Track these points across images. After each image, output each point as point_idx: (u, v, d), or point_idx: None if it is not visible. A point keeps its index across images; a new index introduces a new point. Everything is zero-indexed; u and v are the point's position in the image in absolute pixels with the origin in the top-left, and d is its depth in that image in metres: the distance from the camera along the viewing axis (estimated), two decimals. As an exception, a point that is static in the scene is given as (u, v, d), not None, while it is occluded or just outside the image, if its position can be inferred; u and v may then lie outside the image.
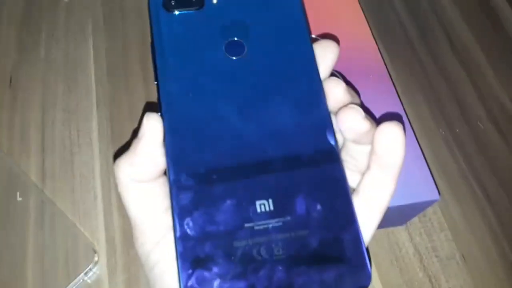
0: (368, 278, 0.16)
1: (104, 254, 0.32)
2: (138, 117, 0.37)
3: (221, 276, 0.15)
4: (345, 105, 0.17)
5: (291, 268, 0.16)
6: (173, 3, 0.18)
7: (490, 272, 0.34)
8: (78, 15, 0.42)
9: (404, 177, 0.30)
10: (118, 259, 0.32)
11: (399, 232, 0.35)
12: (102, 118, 0.37)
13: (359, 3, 0.37)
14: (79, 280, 0.30)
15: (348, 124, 0.17)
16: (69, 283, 0.30)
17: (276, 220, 0.16)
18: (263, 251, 0.16)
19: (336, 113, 0.18)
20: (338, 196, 0.17)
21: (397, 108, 0.32)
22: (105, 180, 0.35)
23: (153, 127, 0.17)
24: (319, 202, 0.17)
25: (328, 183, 0.17)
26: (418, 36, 0.46)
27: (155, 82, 0.18)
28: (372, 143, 0.17)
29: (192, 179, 0.16)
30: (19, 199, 0.33)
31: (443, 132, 0.40)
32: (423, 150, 0.31)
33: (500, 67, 0.45)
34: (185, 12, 0.18)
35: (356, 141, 0.18)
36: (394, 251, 0.35)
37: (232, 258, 0.15)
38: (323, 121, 0.18)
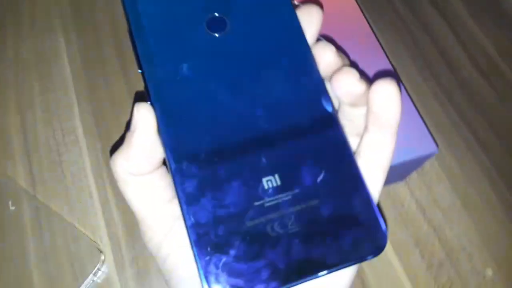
0: (384, 237, 0.16)
1: (110, 251, 0.31)
2: (121, 109, 0.36)
3: (239, 257, 0.15)
4: (338, 69, 0.17)
5: (307, 240, 0.15)
6: None
7: (491, 216, 0.35)
8: (43, 9, 0.40)
9: (401, 134, 0.29)
10: (124, 254, 0.31)
11: (400, 188, 0.36)
12: (85, 113, 0.36)
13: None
14: (89, 282, 0.30)
15: (344, 88, 0.16)
16: (79, 286, 0.30)
17: (285, 194, 0.16)
18: (277, 227, 0.15)
19: (330, 78, 0.17)
20: (343, 161, 0.17)
21: (386, 66, 0.32)
22: (97, 176, 0.34)
23: (144, 117, 0.16)
24: (325, 170, 0.16)
25: (331, 149, 0.17)
26: (394, -10, 0.45)
27: (139, 71, 0.17)
28: (367, 102, 0.17)
29: (194, 165, 0.16)
30: (11, 208, 0.32)
31: (429, 84, 0.40)
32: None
33: (478, 14, 0.45)
34: None
35: (352, 104, 0.17)
36: (397, 207, 0.35)
37: (247, 238, 0.15)
38: (317, 88, 0.17)
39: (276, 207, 0.16)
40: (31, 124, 0.35)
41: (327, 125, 0.17)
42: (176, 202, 0.17)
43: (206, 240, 0.15)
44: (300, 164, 0.16)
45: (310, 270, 0.15)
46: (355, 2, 0.34)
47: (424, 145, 0.30)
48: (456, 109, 0.39)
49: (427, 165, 0.37)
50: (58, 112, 0.36)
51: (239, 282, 0.15)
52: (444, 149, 0.38)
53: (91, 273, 0.30)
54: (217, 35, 0.17)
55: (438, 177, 0.36)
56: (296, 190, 0.16)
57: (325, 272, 0.15)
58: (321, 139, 0.17)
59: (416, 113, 0.31)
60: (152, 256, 0.18)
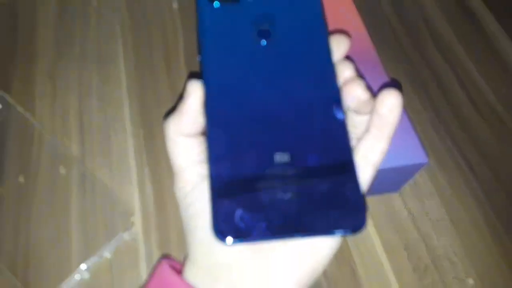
0: (363, 217, 0.20)
1: (140, 219, 0.37)
2: (163, 103, 0.43)
3: (245, 209, 0.19)
4: (351, 79, 0.21)
5: (300, 206, 0.20)
6: None
7: (475, 232, 0.39)
8: (107, 18, 0.48)
9: (395, 143, 0.35)
10: (151, 222, 0.37)
11: (394, 198, 0.40)
12: (133, 105, 0.43)
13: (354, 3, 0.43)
14: (118, 237, 0.35)
15: (353, 93, 0.21)
16: (110, 241, 0.35)
17: (290, 167, 0.20)
18: (277, 192, 0.20)
19: (343, 86, 0.21)
20: (342, 150, 0.21)
21: (385, 80, 0.38)
22: (137, 157, 0.40)
23: (195, 90, 0.21)
24: (326, 155, 0.21)
25: (335, 140, 0.21)
26: (405, 34, 0.52)
27: (198, 58, 0.22)
28: (374, 105, 0.21)
29: (225, 135, 0.20)
30: (62, 171, 0.38)
31: (428, 114, 0.46)
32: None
33: (478, 58, 0.51)
34: (225, 4, 0.23)
35: (357, 111, 0.22)
36: (390, 215, 0.40)
37: (253, 196, 0.19)
38: (334, 95, 0.22)
39: (280, 176, 0.20)
40: (87, 109, 0.42)
41: (336, 121, 0.21)
42: (205, 166, 0.22)
43: (222, 191, 0.20)
44: (307, 148, 0.21)
45: (298, 230, 0.19)
46: (367, 35, 0.41)
47: (415, 155, 0.35)
48: (451, 137, 0.45)
49: (420, 181, 0.42)
50: (111, 102, 0.43)
51: (242, 226, 0.19)
52: (437, 169, 0.43)
53: (121, 231, 0.35)
54: (263, 42, 0.23)
55: (430, 193, 0.41)
56: (299, 166, 0.20)
57: (309, 234, 0.19)
58: (328, 131, 0.21)
59: (410, 126, 0.36)
60: (178, 204, 0.22)
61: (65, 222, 0.36)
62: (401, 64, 0.50)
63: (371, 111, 0.22)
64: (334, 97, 0.22)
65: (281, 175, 0.20)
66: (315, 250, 0.21)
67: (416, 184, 0.42)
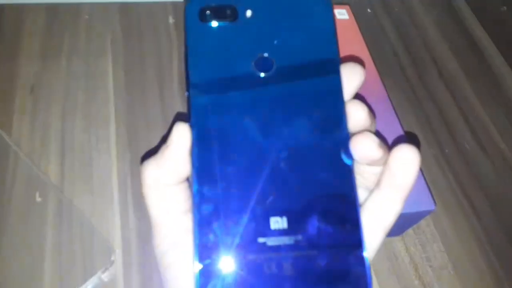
0: (432, 204, 0.18)
1: (120, 254, 0.33)
2: (153, 127, 0.40)
3: (231, 282, 0.16)
4: (361, 132, 0.18)
5: (297, 285, 0.17)
6: (208, 14, 0.19)
7: (479, 281, 0.37)
8: (98, 30, 0.45)
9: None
10: (133, 259, 0.33)
11: (396, 242, 0.38)
12: (120, 126, 0.39)
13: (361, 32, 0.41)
14: (96, 279, 0.32)
15: (362, 152, 0.17)
16: (86, 281, 0.32)
17: (288, 237, 0.17)
18: (273, 267, 0.17)
19: (351, 138, 0.18)
20: (349, 220, 0.18)
21: (398, 130, 0.36)
22: (121, 183, 0.36)
23: (182, 136, 0.18)
24: (330, 225, 0.17)
25: (341, 206, 0.18)
26: (410, 66, 0.51)
27: (186, 93, 0.19)
28: (388, 161, 0.18)
29: (213, 189, 0.17)
30: (38, 199, 0.35)
31: (433, 151, 0.44)
32: (420, 164, 0.34)
33: (483, 94, 0.49)
34: (219, 24, 0.19)
35: (368, 165, 0.18)
36: (391, 260, 0.37)
37: (243, 270, 0.16)
38: (342, 141, 0.18)
39: (276, 248, 0.17)
40: (70, 128, 0.39)
41: (343, 181, 0.18)
42: (190, 217, 0.19)
43: (208, 260, 0.17)
44: (309, 213, 0.17)
45: None
46: (375, 69, 0.39)
47: (422, 201, 0.33)
48: (454, 176, 0.42)
49: (423, 224, 0.39)
50: (96, 121, 0.39)
51: None
52: (440, 211, 0.40)
53: (99, 270, 0.32)
54: (262, 74, 0.19)
55: (433, 237, 0.39)
56: (299, 237, 0.17)
57: None
58: (335, 193, 0.18)
59: (419, 172, 0.34)
60: (156, 261, 0.19)
61: (38, 259, 0.32)
62: (404, 95, 0.48)
63: (383, 164, 0.18)
64: (340, 145, 0.18)
65: (276, 247, 0.17)
66: None
67: (419, 227, 0.39)
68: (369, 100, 0.36)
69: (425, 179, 0.34)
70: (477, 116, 0.47)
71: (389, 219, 0.18)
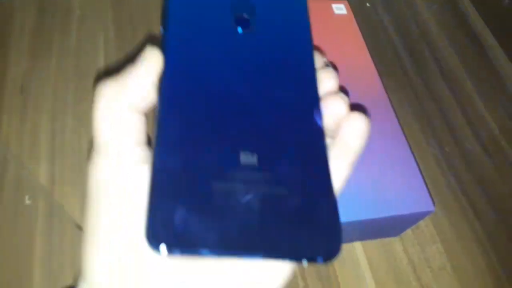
0: (337, 247, 0.16)
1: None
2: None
3: (191, 214, 0.15)
4: (333, 93, 0.18)
5: (261, 220, 0.15)
6: None
7: (479, 283, 0.36)
8: (90, 27, 0.44)
9: (400, 189, 0.32)
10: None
11: (395, 243, 0.37)
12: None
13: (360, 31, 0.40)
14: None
15: (332, 108, 0.18)
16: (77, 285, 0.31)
17: (256, 172, 0.16)
18: (236, 198, 0.16)
19: (323, 98, 0.18)
20: (318, 162, 0.17)
21: (396, 129, 0.35)
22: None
23: (154, 58, 0.16)
24: (299, 165, 0.17)
25: (310, 148, 0.18)
26: (411, 64, 0.49)
27: (161, 28, 0.19)
28: (339, 128, 0.18)
29: (181, 120, 0.17)
30: (27, 202, 0.34)
31: (433, 151, 0.43)
32: (419, 165, 0.33)
33: (485, 91, 0.48)
34: None
35: (331, 129, 0.18)
36: (389, 261, 0.36)
37: (206, 198, 0.15)
38: (312, 97, 0.19)
39: (242, 180, 0.16)
40: (61, 130, 0.38)
41: (312, 129, 0.18)
42: (142, 149, 0.17)
43: (166, 187, 0.15)
44: (278, 151, 0.17)
45: (258, 249, 0.15)
46: (374, 67, 0.38)
47: (421, 202, 0.32)
48: (455, 176, 0.42)
49: (422, 224, 0.38)
50: (87, 122, 0.38)
51: (185, 233, 0.14)
52: (440, 212, 0.39)
53: (91, 275, 0.31)
54: (240, 31, 0.20)
55: (432, 238, 0.38)
56: (267, 173, 0.16)
57: (271, 256, 0.15)
58: (304, 137, 0.18)
59: (418, 171, 0.33)
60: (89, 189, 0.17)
61: (27, 263, 0.32)
62: (404, 93, 0.47)
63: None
64: (312, 101, 0.18)
65: (244, 179, 0.16)
66: (262, 279, 0.16)
67: (418, 227, 0.38)
68: (366, 98, 0.35)
69: (424, 179, 0.33)
70: (478, 114, 0.46)
71: (337, 183, 0.17)
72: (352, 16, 0.41)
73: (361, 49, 0.38)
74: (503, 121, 0.46)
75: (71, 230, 0.33)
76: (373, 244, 0.37)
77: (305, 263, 0.15)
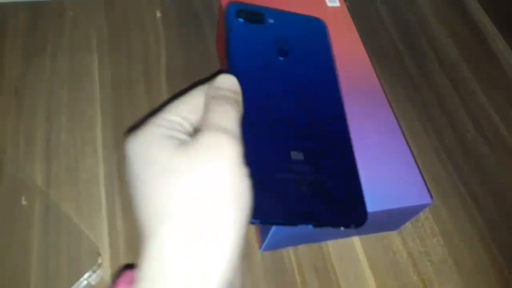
0: (365, 214, 0.23)
1: (108, 258, 0.33)
2: (141, 126, 0.39)
3: (264, 196, 0.21)
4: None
5: (311, 198, 0.22)
6: (242, 15, 0.27)
7: (481, 276, 0.36)
8: (83, 27, 0.44)
9: (397, 182, 0.31)
10: (122, 262, 0.33)
11: (393, 237, 0.37)
12: (106, 127, 0.38)
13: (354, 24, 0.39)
14: (83, 282, 0.31)
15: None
16: (73, 285, 0.31)
17: (304, 165, 0.23)
18: (297, 184, 0.22)
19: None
20: (347, 155, 0.25)
21: (392, 122, 0.34)
22: (108, 185, 0.36)
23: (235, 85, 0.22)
24: (335, 157, 0.24)
25: (340, 146, 0.25)
26: (409, 54, 0.49)
27: (227, 62, 0.25)
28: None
29: (255, 134, 0.23)
30: (23, 202, 0.34)
31: (433, 143, 0.42)
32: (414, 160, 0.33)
33: (485, 81, 0.47)
34: (250, 23, 0.27)
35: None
36: (389, 255, 0.36)
37: (276, 185, 0.22)
38: (339, 108, 0.26)
39: (300, 170, 0.23)
40: (55, 130, 0.38)
41: (341, 133, 0.25)
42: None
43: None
44: (321, 147, 0.24)
45: (311, 219, 0.21)
46: (368, 58, 0.37)
47: (418, 195, 0.31)
48: (455, 168, 0.41)
49: (422, 217, 0.38)
50: (82, 123, 0.38)
51: (263, 211, 0.20)
52: (440, 204, 0.39)
53: (86, 273, 0.31)
54: (281, 58, 0.26)
55: (432, 231, 0.37)
56: (315, 164, 0.23)
57: (321, 225, 0.21)
58: (335, 139, 0.25)
59: (414, 164, 0.32)
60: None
61: (24, 263, 0.32)
62: (402, 84, 0.46)
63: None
64: (339, 110, 0.26)
65: (300, 170, 0.23)
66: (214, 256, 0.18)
67: (418, 220, 0.38)
68: (361, 91, 0.35)
69: (420, 172, 0.32)
70: (478, 103, 0.46)
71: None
72: (345, 8, 0.40)
73: (355, 42, 0.38)
74: (503, 109, 0.45)
75: (66, 229, 0.33)
76: (372, 238, 0.36)
77: (342, 229, 0.22)
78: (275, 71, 0.25)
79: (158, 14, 0.47)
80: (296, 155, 0.23)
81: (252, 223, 0.20)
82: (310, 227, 0.21)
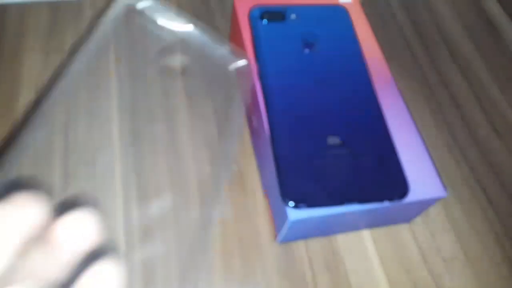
0: (407, 187, 0.26)
1: (124, 251, 0.34)
2: (156, 120, 0.40)
3: (308, 179, 0.23)
4: None
5: (352, 178, 0.24)
6: (266, 16, 0.29)
7: (494, 272, 0.36)
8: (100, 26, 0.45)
9: (411, 175, 0.31)
10: (137, 256, 0.34)
11: (404, 232, 0.37)
12: (122, 122, 0.39)
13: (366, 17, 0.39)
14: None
15: None
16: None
17: (341, 148, 0.25)
18: (335, 167, 0.24)
19: None
20: (384, 136, 0.27)
21: (405, 114, 0.34)
22: (125, 181, 0.37)
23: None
24: (371, 138, 0.26)
25: (376, 129, 0.27)
26: (420, 48, 0.48)
27: (257, 63, 0.27)
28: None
29: (288, 121, 0.26)
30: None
31: (444, 138, 0.42)
32: (426, 152, 0.33)
33: (499, 76, 0.47)
34: (275, 23, 0.29)
35: None
36: (398, 250, 0.36)
37: (313, 168, 0.24)
38: (370, 92, 0.28)
39: (333, 155, 0.24)
40: (73, 126, 0.39)
41: (375, 114, 0.27)
42: None
43: (290, 165, 0.24)
44: (359, 132, 0.25)
45: (355, 199, 0.23)
46: (381, 53, 0.37)
47: (432, 187, 0.31)
48: (468, 164, 0.41)
49: (433, 212, 0.38)
50: (99, 119, 0.40)
51: (306, 194, 0.22)
52: (451, 200, 0.39)
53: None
54: (307, 50, 0.28)
55: (443, 226, 0.37)
56: (349, 147, 0.25)
57: (365, 202, 0.23)
58: (371, 121, 0.27)
59: (428, 156, 0.32)
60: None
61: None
62: (414, 79, 0.46)
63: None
64: (370, 90, 0.27)
65: (334, 155, 0.24)
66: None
67: (428, 215, 0.38)
68: (375, 86, 0.35)
69: (434, 165, 0.32)
70: (492, 98, 0.45)
71: None
72: (358, 3, 0.40)
73: (368, 37, 0.38)
74: (518, 106, 0.45)
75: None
76: (382, 232, 0.36)
77: (386, 203, 0.24)
78: (304, 63, 0.27)
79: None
80: (333, 140, 0.25)
81: (298, 207, 0.22)
82: (355, 205, 0.23)
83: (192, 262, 0.34)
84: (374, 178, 0.24)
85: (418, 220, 0.37)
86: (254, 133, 0.36)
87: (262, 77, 0.26)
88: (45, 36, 0.44)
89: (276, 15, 0.29)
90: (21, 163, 0.36)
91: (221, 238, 0.35)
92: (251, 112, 0.35)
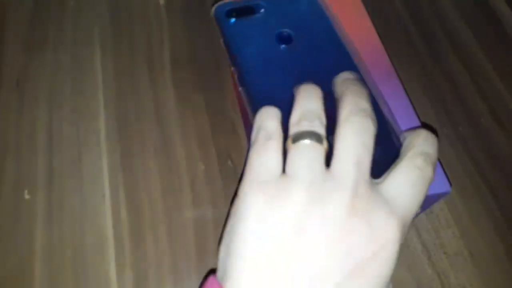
0: (448, 186, 0.26)
1: (113, 252, 0.32)
2: (145, 116, 0.38)
3: None
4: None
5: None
6: (233, 14, 0.26)
7: (498, 268, 0.35)
8: (85, 17, 0.43)
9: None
10: (127, 256, 0.32)
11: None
12: (109, 118, 0.37)
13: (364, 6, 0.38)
14: (89, 278, 0.30)
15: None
16: (78, 280, 0.30)
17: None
18: None
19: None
20: (384, 125, 0.24)
21: (407, 107, 0.33)
22: (112, 177, 0.35)
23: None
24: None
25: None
26: (420, 37, 0.47)
27: (232, 68, 0.25)
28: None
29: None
30: (26, 197, 0.33)
31: (446, 131, 0.41)
32: (431, 145, 0.31)
33: (500, 65, 0.45)
34: (243, 20, 0.26)
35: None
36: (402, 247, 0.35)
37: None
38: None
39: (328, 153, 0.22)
40: (58, 122, 0.37)
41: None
42: None
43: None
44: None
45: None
46: (380, 42, 0.36)
47: (437, 183, 0.30)
48: (470, 157, 0.39)
49: (437, 208, 0.37)
50: (85, 114, 0.37)
51: None
52: (454, 195, 0.37)
53: (90, 268, 0.30)
54: (283, 46, 0.25)
55: (447, 222, 0.36)
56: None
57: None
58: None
59: (429, 152, 0.31)
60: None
61: (28, 257, 0.31)
62: (414, 69, 0.44)
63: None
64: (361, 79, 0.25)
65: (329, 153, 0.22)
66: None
67: (432, 212, 0.36)
68: (374, 79, 0.33)
69: (439, 159, 0.31)
70: (494, 89, 0.44)
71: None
72: (356, -9, 0.38)
73: (367, 27, 0.36)
74: (521, 97, 0.44)
75: (71, 224, 0.32)
76: (385, 230, 0.35)
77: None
78: (281, 58, 0.24)
79: (162, 2, 0.45)
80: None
81: None
82: None
83: (185, 263, 0.32)
84: (373, 175, 0.22)
85: (423, 217, 0.36)
86: (247, 126, 0.34)
87: (243, 83, 0.24)
88: (26, 28, 0.42)
89: (243, 11, 0.26)
90: (4, 156, 0.34)
91: (216, 238, 0.33)
92: (242, 112, 0.33)
